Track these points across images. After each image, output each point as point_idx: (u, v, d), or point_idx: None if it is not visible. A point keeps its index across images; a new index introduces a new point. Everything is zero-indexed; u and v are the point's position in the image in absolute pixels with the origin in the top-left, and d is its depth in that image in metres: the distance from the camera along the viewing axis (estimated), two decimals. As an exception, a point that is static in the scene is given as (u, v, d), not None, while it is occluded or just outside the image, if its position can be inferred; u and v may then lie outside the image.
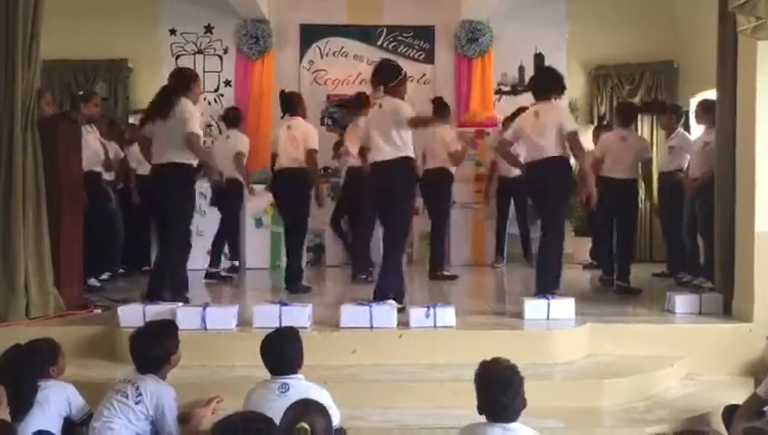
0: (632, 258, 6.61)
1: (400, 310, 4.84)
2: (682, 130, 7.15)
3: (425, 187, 7.14)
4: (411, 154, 5.28)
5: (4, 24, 4.90)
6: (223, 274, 7.25)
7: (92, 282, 6.27)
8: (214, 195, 7.24)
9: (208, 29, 9.24)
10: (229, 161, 7.05)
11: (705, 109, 6.38)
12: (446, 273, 7.31)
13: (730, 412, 3.74)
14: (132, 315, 4.59)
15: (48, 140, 5.13)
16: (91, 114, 6.37)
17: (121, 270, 7.44)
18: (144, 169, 7.29)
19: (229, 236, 7.38)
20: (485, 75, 9.26)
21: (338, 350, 4.42)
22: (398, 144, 5.20)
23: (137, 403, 3.32)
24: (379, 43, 9.36)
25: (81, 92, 7.03)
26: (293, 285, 6.29)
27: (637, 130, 9.03)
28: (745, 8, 4.52)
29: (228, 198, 7.19)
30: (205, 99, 8.65)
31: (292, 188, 6.34)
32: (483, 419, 2.86)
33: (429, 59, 9.42)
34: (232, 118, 7.49)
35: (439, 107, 7.56)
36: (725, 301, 5.15)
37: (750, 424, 3.48)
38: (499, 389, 2.82)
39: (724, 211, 5.24)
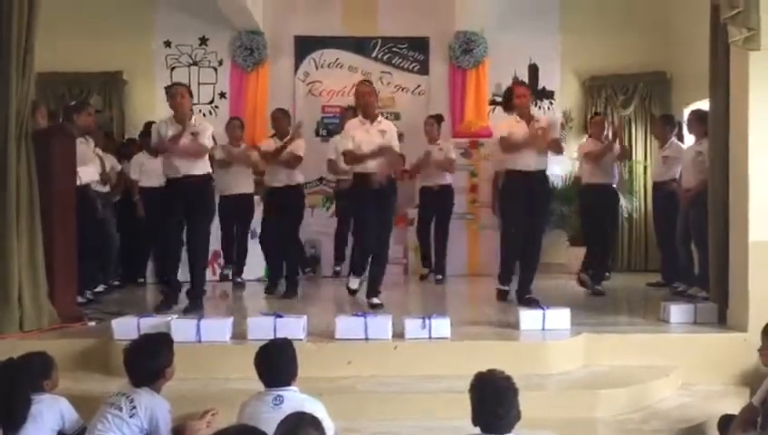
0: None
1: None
2: (675, 140, 7.18)
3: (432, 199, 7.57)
4: None
5: (-1, 37, 4.91)
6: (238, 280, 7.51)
7: (86, 295, 6.22)
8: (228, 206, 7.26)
9: (203, 41, 9.26)
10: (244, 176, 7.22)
11: (698, 118, 6.43)
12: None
13: (726, 422, 3.74)
14: (126, 328, 4.58)
15: (42, 152, 5.13)
16: (85, 125, 6.35)
17: (116, 282, 7.42)
18: (149, 180, 7.35)
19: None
20: (480, 86, 9.27)
21: (333, 361, 4.42)
22: None
23: (131, 416, 3.30)
24: (373, 55, 9.39)
25: (73, 103, 7.02)
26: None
27: (630, 140, 9.15)
28: (737, 19, 4.56)
29: (245, 210, 7.33)
30: (200, 111, 8.63)
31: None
32: (477, 430, 2.85)
33: (424, 70, 9.45)
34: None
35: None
36: (720, 310, 5.16)
37: (745, 434, 3.49)
38: (494, 400, 2.80)
39: (717, 220, 5.25)
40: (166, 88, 5.97)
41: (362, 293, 5.99)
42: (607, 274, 7.31)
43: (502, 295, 6.12)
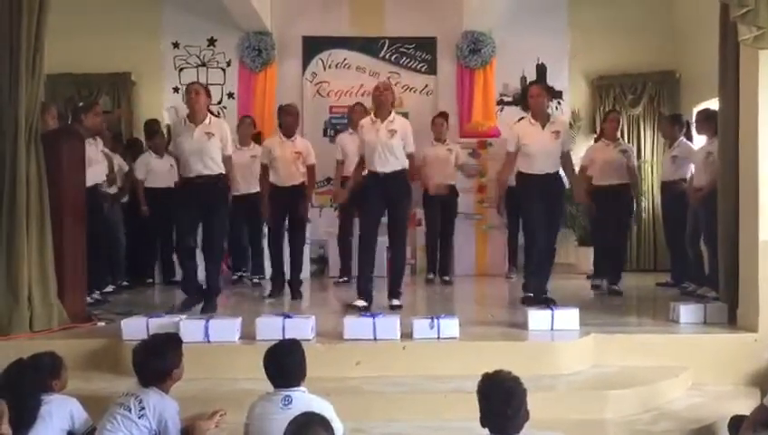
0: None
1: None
2: (684, 139, 7.14)
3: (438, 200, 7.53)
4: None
5: (8, 38, 4.93)
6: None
7: (95, 295, 6.23)
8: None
9: (211, 42, 9.29)
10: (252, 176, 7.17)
11: (706, 118, 6.40)
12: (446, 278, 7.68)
13: (736, 423, 3.72)
14: (135, 328, 4.59)
15: (51, 153, 5.15)
16: (94, 125, 6.37)
17: (125, 283, 7.44)
18: (154, 181, 7.36)
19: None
20: (488, 86, 9.27)
21: (341, 362, 4.42)
22: None
23: (140, 417, 3.30)
24: (381, 55, 9.40)
25: (81, 104, 7.04)
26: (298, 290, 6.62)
27: (639, 139, 9.12)
28: (747, 18, 4.54)
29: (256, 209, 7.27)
30: (218, 113, 8.71)
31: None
32: (486, 432, 2.84)
33: (432, 70, 9.46)
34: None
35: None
36: (730, 310, 5.13)
37: (756, 435, 3.47)
38: (502, 401, 2.79)
39: (727, 220, 5.22)
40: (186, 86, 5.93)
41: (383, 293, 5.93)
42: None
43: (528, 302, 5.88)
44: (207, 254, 5.67)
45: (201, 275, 5.76)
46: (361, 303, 5.60)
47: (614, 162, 6.86)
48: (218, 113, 9.06)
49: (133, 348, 3.60)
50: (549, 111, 6.03)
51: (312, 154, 6.74)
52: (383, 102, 5.78)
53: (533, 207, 5.79)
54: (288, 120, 6.72)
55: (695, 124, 6.92)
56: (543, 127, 5.78)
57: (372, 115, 5.88)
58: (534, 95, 5.86)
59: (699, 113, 6.73)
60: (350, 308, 5.51)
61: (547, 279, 5.91)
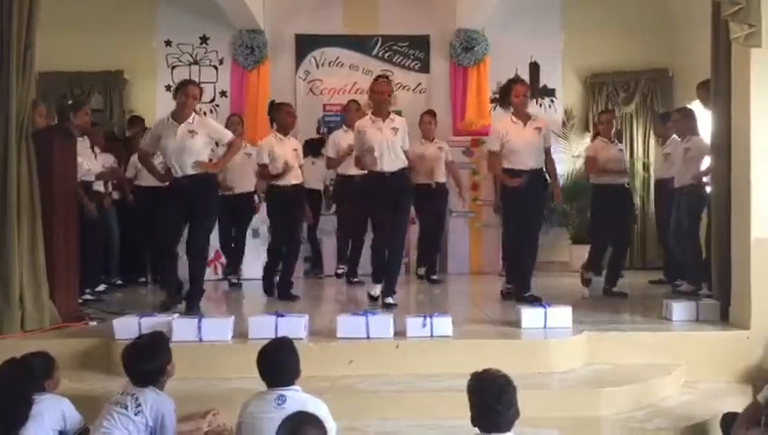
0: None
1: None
2: (676, 137, 7.16)
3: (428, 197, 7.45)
4: None
5: (-1, 35, 4.90)
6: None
7: (86, 296, 6.20)
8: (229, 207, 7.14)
9: (204, 40, 9.26)
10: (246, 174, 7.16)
11: (685, 117, 6.60)
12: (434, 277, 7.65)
13: (728, 420, 3.73)
14: (127, 328, 4.56)
15: (43, 151, 5.12)
16: (83, 124, 6.33)
17: (119, 282, 7.42)
18: (146, 180, 7.31)
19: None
20: (481, 84, 9.26)
21: (334, 361, 4.41)
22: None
23: (136, 414, 3.29)
24: (374, 53, 9.38)
25: (69, 102, 7.00)
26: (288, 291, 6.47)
27: (632, 137, 9.14)
28: (738, 16, 4.55)
29: (245, 209, 7.32)
30: (200, 109, 8.61)
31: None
32: (476, 431, 2.83)
33: (425, 68, 9.45)
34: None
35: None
36: (723, 308, 5.15)
37: (749, 432, 3.47)
38: (493, 398, 2.78)
39: (720, 218, 5.24)
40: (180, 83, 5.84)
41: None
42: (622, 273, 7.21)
43: (508, 294, 6.05)
44: (192, 254, 5.51)
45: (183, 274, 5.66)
46: (379, 289, 5.78)
47: (615, 161, 6.82)
48: (211, 111, 9.05)
49: (121, 353, 3.53)
50: (530, 111, 6.06)
51: (301, 153, 6.75)
52: (383, 102, 5.75)
53: (518, 202, 5.81)
54: (289, 121, 6.69)
55: (673, 123, 6.94)
56: (525, 124, 5.82)
57: (371, 115, 5.83)
58: (519, 94, 5.88)
59: (677, 113, 6.88)
60: (370, 298, 5.78)
61: (530, 276, 5.91)
